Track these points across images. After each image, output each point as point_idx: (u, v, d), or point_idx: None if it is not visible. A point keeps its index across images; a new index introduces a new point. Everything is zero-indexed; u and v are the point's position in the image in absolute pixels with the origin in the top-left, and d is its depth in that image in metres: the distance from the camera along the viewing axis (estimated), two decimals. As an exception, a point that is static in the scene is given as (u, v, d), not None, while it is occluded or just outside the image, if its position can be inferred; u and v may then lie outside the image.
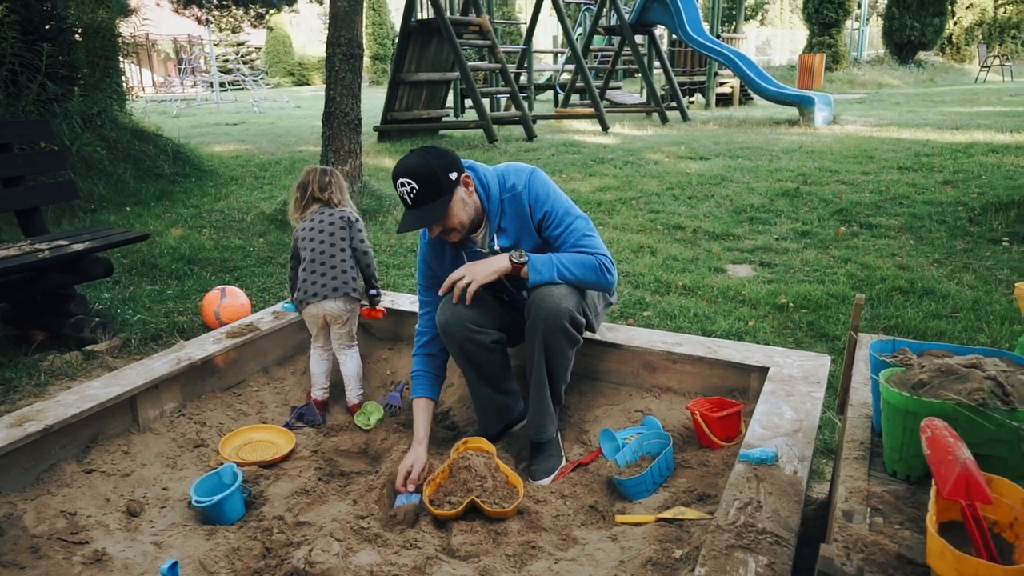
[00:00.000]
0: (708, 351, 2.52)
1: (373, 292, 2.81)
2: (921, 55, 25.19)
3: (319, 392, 2.72)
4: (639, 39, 13.60)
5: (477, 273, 2.19)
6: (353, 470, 2.43)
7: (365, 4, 5.56)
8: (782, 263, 4.59)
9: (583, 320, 2.27)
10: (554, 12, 12.26)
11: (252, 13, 13.50)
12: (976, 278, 4.20)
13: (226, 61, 26.63)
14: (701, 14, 13.40)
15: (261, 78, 24.47)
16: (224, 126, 14.29)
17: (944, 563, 1.00)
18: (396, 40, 17.91)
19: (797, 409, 2.10)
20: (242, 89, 24.29)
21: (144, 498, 2.12)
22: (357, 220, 2.80)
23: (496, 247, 2.27)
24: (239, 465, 2.22)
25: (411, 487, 2.19)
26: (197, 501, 2.02)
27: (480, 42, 10.21)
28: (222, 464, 2.29)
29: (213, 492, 2.08)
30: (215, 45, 23.95)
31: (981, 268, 4.37)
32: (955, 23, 26.85)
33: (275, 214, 5.90)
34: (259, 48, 36.01)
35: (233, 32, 34.23)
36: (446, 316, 2.27)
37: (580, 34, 15.65)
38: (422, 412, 2.37)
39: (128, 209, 6.38)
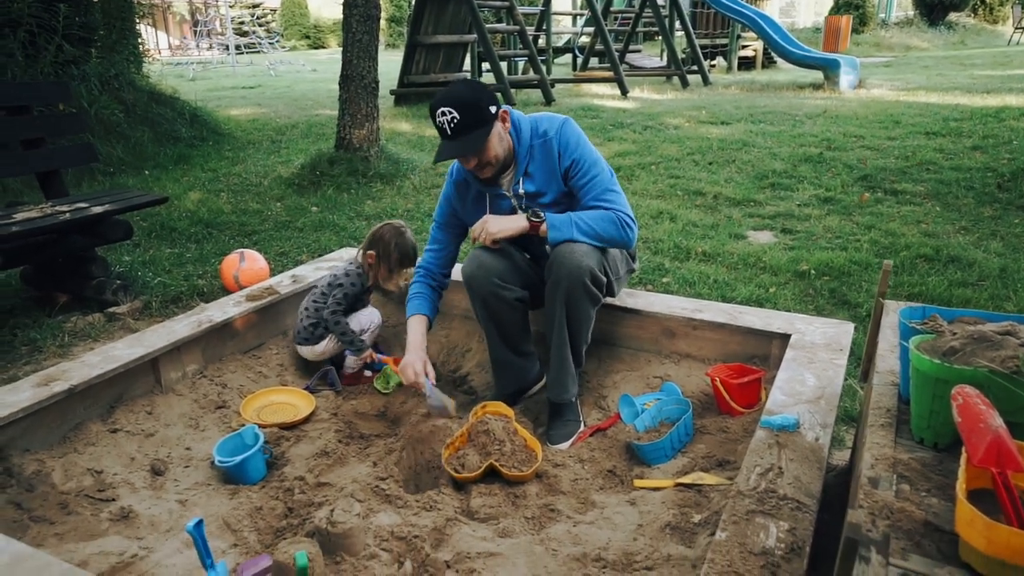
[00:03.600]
0: (729, 318, 2.50)
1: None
2: (952, 16, 24.46)
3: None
4: (660, 0, 13.30)
5: (491, 227, 2.20)
6: (372, 432, 2.45)
7: (382, -36, 5.52)
8: (804, 230, 4.52)
9: (604, 279, 2.26)
10: (574, -28, 11.98)
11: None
12: (1004, 245, 4.12)
13: (241, 23, 26.42)
14: (725, -26, 13.06)
15: (277, 41, 24.27)
16: (240, 89, 14.23)
17: (974, 530, 0.99)
18: (412, 2, 17.65)
19: (819, 376, 2.08)
20: (258, 52, 24.13)
21: (168, 457, 2.15)
22: (339, 284, 2.71)
23: (521, 191, 2.28)
24: (260, 427, 2.24)
25: (422, 379, 2.29)
26: (220, 461, 2.05)
27: (498, 3, 10.03)
28: (244, 425, 2.31)
29: (235, 453, 2.11)
30: (230, 7, 23.77)
31: (1009, 235, 4.28)
32: (989, -17, 25.99)
33: (292, 178, 5.89)
34: (274, 10, 35.65)
35: (249, -6, 33.98)
36: (472, 268, 2.29)
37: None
38: (417, 326, 2.41)
39: (146, 173, 6.39)
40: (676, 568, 1.67)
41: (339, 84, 5.99)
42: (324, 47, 35.59)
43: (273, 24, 33.26)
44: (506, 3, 9.99)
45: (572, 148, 2.24)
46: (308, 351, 2.69)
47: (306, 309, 2.70)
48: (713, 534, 1.78)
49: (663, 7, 13.25)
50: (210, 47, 24.03)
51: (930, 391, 1.25)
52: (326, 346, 2.67)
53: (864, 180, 5.56)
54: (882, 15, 24.69)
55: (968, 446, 1.09)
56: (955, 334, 1.30)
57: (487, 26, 9.66)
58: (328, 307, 2.64)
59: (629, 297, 2.69)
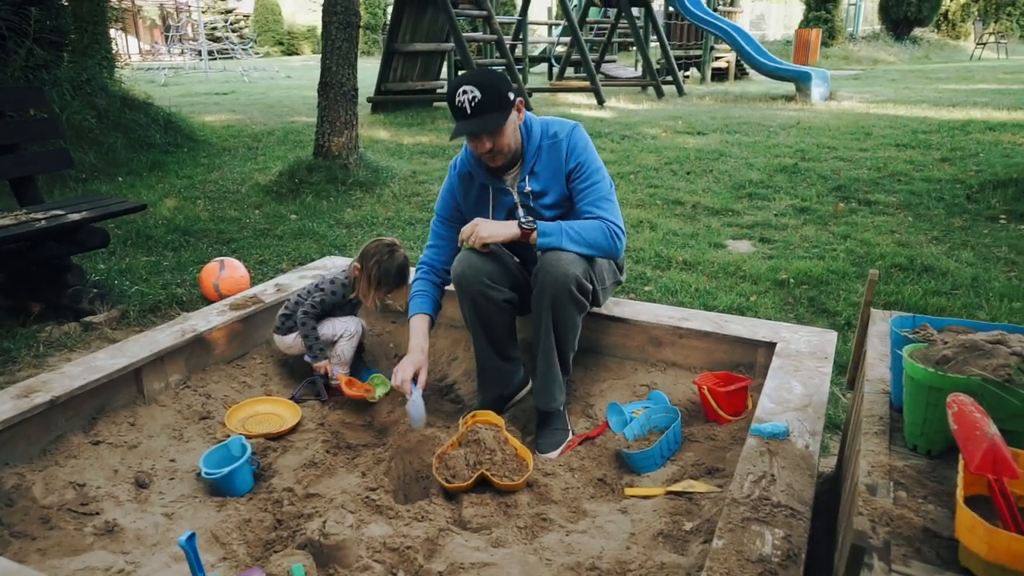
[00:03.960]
0: (715, 326, 2.52)
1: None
2: (917, 31, 25.08)
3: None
4: (635, 12, 13.44)
5: (482, 231, 2.21)
6: (359, 442, 2.43)
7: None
8: (782, 239, 4.59)
9: (590, 287, 2.28)
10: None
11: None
12: (975, 255, 4.22)
13: (214, 29, 26.17)
14: (699, -13, 13.24)
15: (250, 47, 24.06)
16: (214, 95, 14.08)
17: (974, 536, 1.01)
18: (388, 9, 17.54)
19: (806, 384, 2.11)
20: (231, 58, 23.92)
21: (152, 470, 2.11)
22: (322, 288, 2.69)
23: (526, 188, 2.31)
24: (246, 437, 2.21)
25: (407, 387, 2.27)
26: (207, 473, 2.01)
27: (476, 12, 10.07)
28: (229, 436, 2.28)
29: (222, 464, 2.08)
30: (203, 12, 23.52)
31: (979, 245, 4.39)
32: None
33: (270, 185, 5.84)
34: (247, 16, 35.39)
35: (221, -1, 33.68)
36: (463, 268, 2.29)
37: (576, 6, 15.45)
38: (420, 326, 2.40)
39: (120, 179, 6.29)
40: (670, 576, 1.68)
41: (318, 91, 5.96)
42: (298, 53, 35.37)
43: (246, 30, 33.02)
44: (484, 12, 10.03)
45: (580, 151, 2.28)
46: (279, 340, 2.69)
47: (287, 300, 2.70)
48: (706, 542, 1.80)
49: (638, 18, 13.40)
50: (182, 52, 23.75)
51: (924, 399, 1.28)
52: (294, 340, 2.66)
53: (838, 190, 5.67)
54: (850, 29, 25.22)
55: (965, 453, 1.11)
56: (946, 343, 1.33)
57: (464, 35, 9.68)
58: (303, 306, 2.62)
59: (615, 306, 2.70)
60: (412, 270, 2.63)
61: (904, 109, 9.85)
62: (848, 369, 2.05)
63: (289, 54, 34.64)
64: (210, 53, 21.75)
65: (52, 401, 2.01)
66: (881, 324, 1.86)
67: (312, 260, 4.27)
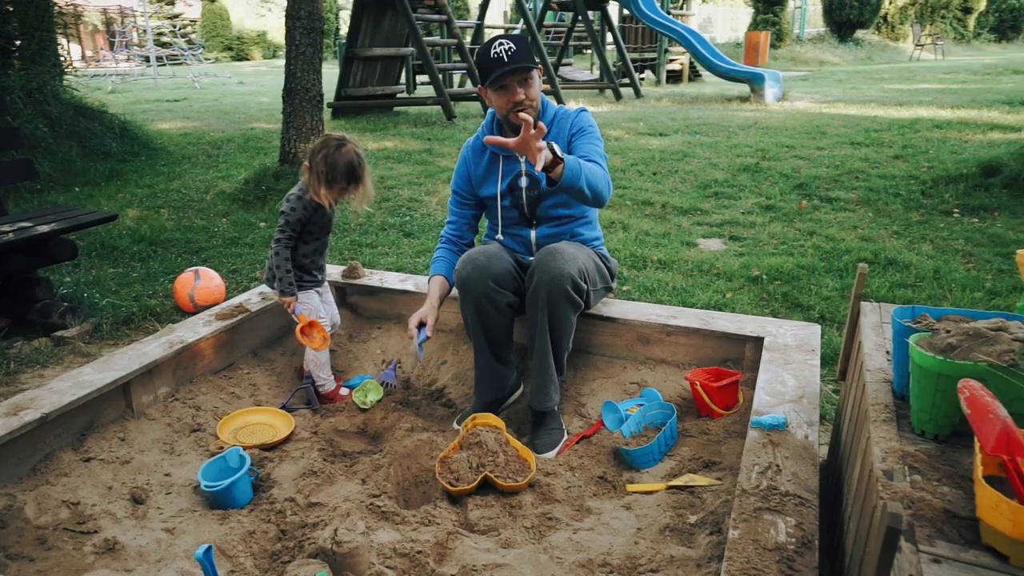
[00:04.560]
0: (703, 323, 2.58)
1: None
2: (859, 33, 25.88)
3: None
4: (591, 15, 13.58)
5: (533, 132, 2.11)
6: (355, 450, 2.41)
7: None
8: (750, 237, 4.69)
9: (585, 286, 2.32)
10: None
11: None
12: (934, 248, 4.38)
13: (161, 35, 25.53)
14: (653, -10, 13.44)
15: (200, 53, 23.57)
16: (165, 102, 13.76)
17: (999, 515, 1.06)
18: (338, 13, 17.35)
19: (798, 376, 2.17)
20: (181, 64, 23.40)
21: (148, 485, 2.07)
22: (282, 211, 2.58)
23: None
24: (242, 448, 2.18)
25: (413, 329, 2.41)
26: (207, 486, 1.98)
27: (436, 17, 10.05)
28: (223, 448, 2.24)
29: (220, 476, 2.04)
30: (150, 17, 22.96)
31: (937, 239, 4.56)
32: (890, 2, 27.60)
33: (236, 193, 5.74)
34: (194, 21, 34.65)
35: (167, 4, 32.89)
36: (468, 270, 2.33)
37: (531, 10, 15.54)
38: (435, 286, 2.54)
39: (76, 189, 6.11)
40: (680, 568, 1.71)
41: (282, 97, 5.89)
42: (248, 59, 34.78)
43: (194, 35, 32.32)
44: (443, 17, 10.02)
45: (585, 122, 2.46)
46: (275, 294, 2.66)
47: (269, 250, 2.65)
48: (712, 533, 1.83)
49: (594, 22, 13.54)
50: (128, 59, 23.13)
51: (932, 386, 1.33)
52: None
53: (800, 188, 5.82)
54: (796, 31, 25.89)
55: (980, 436, 1.16)
56: (949, 331, 1.39)
57: (425, 39, 9.66)
58: (274, 237, 2.54)
59: (603, 306, 2.74)
60: (365, 165, 2.55)
61: (855, 108, 10.15)
62: (839, 360, 2.11)
63: (239, 59, 34.05)
64: (159, 59, 21.24)
65: (43, 418, 1.96)
66: (872, 316, 1.93)
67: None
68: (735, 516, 1.56)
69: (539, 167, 2.06)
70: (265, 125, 9.86)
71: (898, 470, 1.28)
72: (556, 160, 2.12)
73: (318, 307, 2.67)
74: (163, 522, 1.93)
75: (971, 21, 29.45)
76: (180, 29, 27.31)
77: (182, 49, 21.88)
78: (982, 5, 29.29)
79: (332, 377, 2.68)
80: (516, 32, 2.27)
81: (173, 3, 33.36)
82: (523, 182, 2.48)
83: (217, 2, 34.48)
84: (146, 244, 4.62)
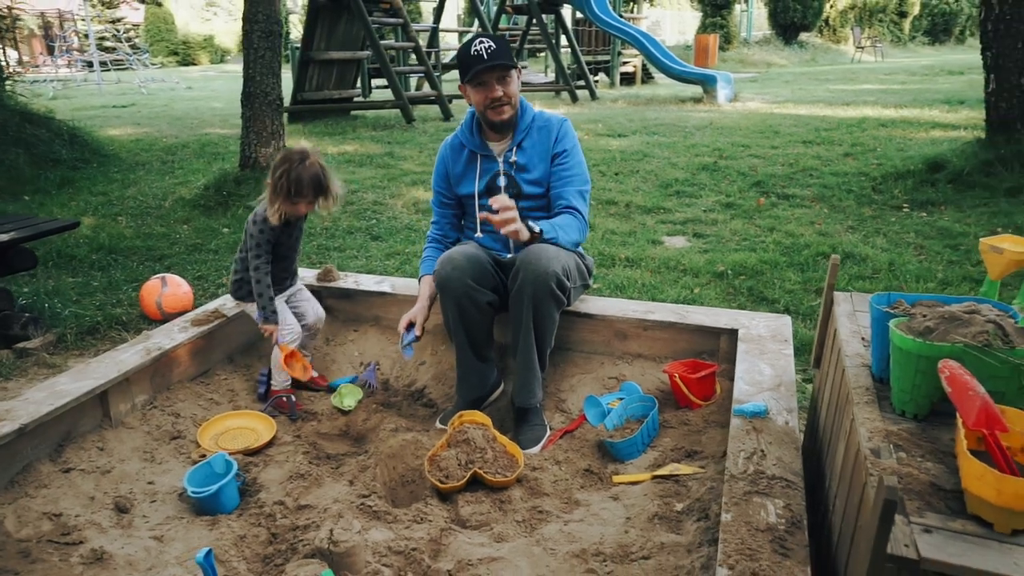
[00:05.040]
0: (679, 317, 2.64)
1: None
2: (803, 36, 26.61)
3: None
4: (546, 18, 13.69)
5: (510, 216, 2.22)
6: (339, 452, 2.40)
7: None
8: (713, 233, 4.80)
9: (568, 284, 2.36)
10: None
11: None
12: (887, 241, 4.55)
13: (103, 39, 24.81)
14: (606, -6, 13.62)
15: (146, 57, 23.00)
16: (112, 108, 13.41)
17: (984, 484, 1.12)
18: (290, 18, 17.19)
19: (774, 366, 2.24)
20: (125, 69, 22.79)
21: (131, 494, 2.03)
22: (250, 233, 2.50)
23: (512, 158, 2.49)
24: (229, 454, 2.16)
25: (402, 328, 2.47)
26: (194, 492, 1.95)
27: (392, 20, 10.01)
28: (205, 455, 2.22)
29: (206, 482, 2.02)
30: (91, 20, 22.32)
31: (890, 232, 4.73)
32: (831, 6, 28.43)
33: (196, 199, 5.64)
34: (137, 26, 33.76)
35: (109, 7, 31.99)
36: (447, 271, 2.36)
37: (486, 11, 15.58)
38: (427, 286, 2.58)
39: (27, 198, 5.92)
40: (671, 554, 1.76)
41: (241, 101, 5.80)
42: (195, 64, 34.06)
43: (137, 40, 31.50)
44: (400, 20, 9.99)
45: (569, 139, 2.51)
46: (244, 307, 2.65)
47: (235, 262, 2.61)
48: (699, 520, 1.89)
49: (548, 25, 13.64)
50: (69, 64, 22.43)
51: (913, 367, 1.40)
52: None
53: (757, 186, 5.98)
54: (744, 34, 26.50)
55: (961, 412, 1.23)
56: (925, 316, 1.46)
57: (381, 43, 9.61)
58: (249, 263, 2.47)
59: (581, 303, 2.78)
60: (330, 174, 2.51)
61: (804, 108, 10.45)
62: (813, 349, 2.19)
63: (185, 64, 33.33)
64: (103, 64, 20.66)
65: (21, 429, 1.91)
66: (845, 305, 2.01)
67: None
68: (726, 500, 1.61)
69: (521, 242, 2.29)
70: (220, 130, 9.69)
71: (884, 448, 1.35)
72: (533, 236, 2.32)
73: (295, 328, 2.64)
74: (150, 530, 1.91)
75: (906, 24, 30.54)
76: (124, 33, 26.59)
77: (127, 54, 21.31)
78: (916, 9, 30.38)
79: (288, 381, 2.64)
80: (496, 37, 2.31)
81: (116, 7, 32.48)
82: (501, 182, 2.51)
83: (162, 6, 33.73)
84: (105, 252, 4.51)
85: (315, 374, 2.69)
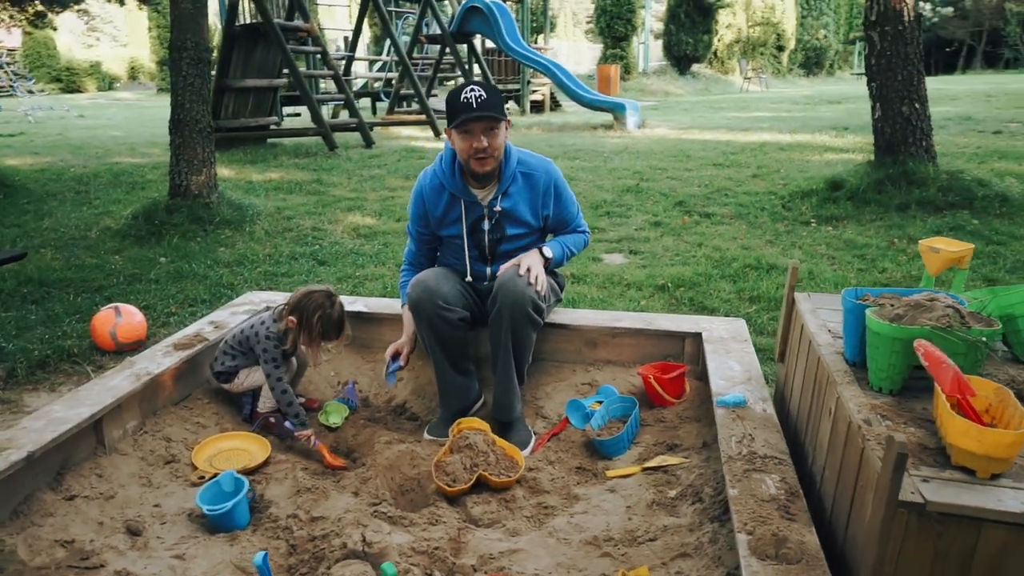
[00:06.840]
0: (645, 323, 2.84)
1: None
2: (695, 67, 28.17)
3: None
4: (458, 47, 13.96)
5: (534, 263, 2.48)
6: (336, 467, 2.45)
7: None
8: (647, 250, 5.09)
9: (543, 305, 2.51)
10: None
11: (31, 12, 12.08)
12: (804, 253, 4.97)
13: (-23, 65, 23.26)
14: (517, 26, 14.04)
15: (32, 83, 21.74)
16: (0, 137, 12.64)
17: (968, 438, 1.35)
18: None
19: (741, 362, 2.47)
20: (9, 96, 21.49)
21: (139, 517, 2.02)
22: (264, 348, 2.54)
23: (497, 207, 2.53)
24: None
25: (387, 356, 2.62)
26: (210, 510, 1.97)
27: (310, 48, 10.00)
28: (203, 477, 2.23)
29: (216, 501, 2.04)
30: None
31: (804, 245, 5.16)
32: (719, 39, 30.24)
33: (125, 229, 5.46)
34: (14, 50, 31.83)
35: (-17, 32, 30.05)
36: (417, 293, 2.46)
37: (405, 41, 15.71)
38: (408, 316, 2.64)
39: (-71, 232, 5.57)
40: (675, 535, 1.93)
41: (170, 129, 5.69)
42: (81, 91, 32.45)
43: (15, 66, 29.70)
44: (318, 48, 9.99)
45: (561, 188, 2.66)
46: (228, 387, 2.64)
47: (224, 353, 2.61)
48: (694, 503, 2.07)
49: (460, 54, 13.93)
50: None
51: (888, 348, 1.63)
52: (244, 378, 2.62)
53: (680, 205, 6.36)
54: (642, 65, 27.77)
55: (939, 381, 1.46)
56: (893, 305, 1.71)
57: (301, 71, 9.57)
58: (266, 369, 2.52)
59: (553, 314, 2.94)
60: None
61: (708, 134, 11.12)
62: (777, 344, 2.44)
63: (70, 91, 31.69)
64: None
65: (29, 456, 1.88)
66: (806, 303, 2.26)
67: (204, 300, 4.13)
68: (729, 478, 1.80)
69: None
70: (129, 159, 9.35)
71: (874, 418, 1.57)
72: (546, 261, 2.54)
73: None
74: (168, 550, 1.91)
75: (784, 58, 32.82)
76: (2, 59, 25.02)
77: (11, 81, 20.10)
78: (792, 44, 32.71)
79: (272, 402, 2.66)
80: (488, 86, 2.33)
81: (-9, 31, 30.53)
82: (485, 225, 2.57)
83: (43, 30, 31.99)
84: (36, 285, 4.32)
85: (302, 399, 2.72)
